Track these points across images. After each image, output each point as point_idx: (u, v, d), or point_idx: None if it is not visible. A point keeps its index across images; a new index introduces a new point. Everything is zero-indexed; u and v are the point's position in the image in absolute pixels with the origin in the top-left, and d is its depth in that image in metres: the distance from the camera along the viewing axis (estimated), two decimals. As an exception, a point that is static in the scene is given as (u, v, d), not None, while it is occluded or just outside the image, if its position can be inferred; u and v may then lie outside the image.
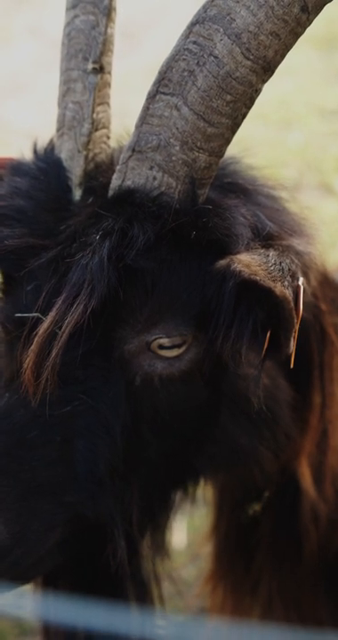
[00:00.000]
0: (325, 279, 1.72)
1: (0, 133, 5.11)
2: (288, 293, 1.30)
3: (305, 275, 1.48)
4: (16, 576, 1.46)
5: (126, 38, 6.52)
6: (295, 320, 1.30)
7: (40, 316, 1.37)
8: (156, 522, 1.62)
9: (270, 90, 5.27)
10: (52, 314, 1.34)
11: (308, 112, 5.53)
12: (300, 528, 1.83)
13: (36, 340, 1.35)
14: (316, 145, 5.22)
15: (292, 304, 1.29)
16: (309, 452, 1.74)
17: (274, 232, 1.46)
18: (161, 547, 1.69)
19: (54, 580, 1.61)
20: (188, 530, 2.94)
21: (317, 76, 5.96)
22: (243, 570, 1.99)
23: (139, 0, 7.14)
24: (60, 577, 1.60)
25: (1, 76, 6.13)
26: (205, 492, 1.94)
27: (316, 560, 1.92)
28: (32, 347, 1.35)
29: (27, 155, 1.53)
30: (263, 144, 5.21)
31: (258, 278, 1.28)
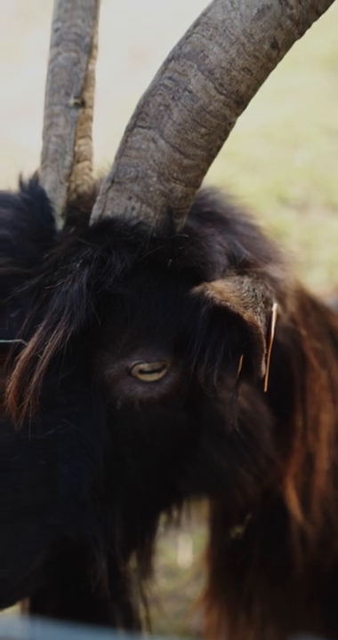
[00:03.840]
0: (307, 304, 1.75)
1: (9, 153, 5.21)
2: (258, 319, 1.33)
3: (281, 301, 1.51)
4: (2, 597, 1.49)
5: (134, 59, 6.62)
6: (265, 345, 1.33)
7: (22, 341, 1.42)
8: (140, 544, 1.65)
9: (278, 110, 5.30)
10: (33, 339, 1.38)
11: (315, 132, 5.57)
12: (289, 550, 1.85)
13: (18, 364, 1.39)
14: (323, 164, 5.25)
15: (261, 329, 1.32)
16: (295, 475, 1.76)
17: (250, 259, 1.50)
18: (147, 569, 1.71)
19: (41, 603, 1.64)
20: (194, 548, 2.96)
21: (325, 95, 6.00)
22: (235, 589, 2.01)
23: (147, 22, 7.25)
24: (46, 599, 1.63)
25: (11, 97, 6.25)
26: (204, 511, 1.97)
27: (308, 579, 1.94)
28: (14, 371, 1.39)
29: (13, 186, 1.58)
30: (271, 164, 5.26)
31: (228, 304, 1.32)
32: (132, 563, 1.69)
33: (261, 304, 1.37)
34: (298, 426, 1.71)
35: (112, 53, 6.39)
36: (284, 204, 4.90)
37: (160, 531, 1.69)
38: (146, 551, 1.67)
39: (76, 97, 1.49)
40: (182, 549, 2.95)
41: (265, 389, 1.41)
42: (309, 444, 1.75)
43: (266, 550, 1.89)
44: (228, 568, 2.00)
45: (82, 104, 1.50)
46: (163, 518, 1.72)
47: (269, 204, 4.81)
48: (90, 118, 1.53)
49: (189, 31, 1.37)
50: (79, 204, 1.51)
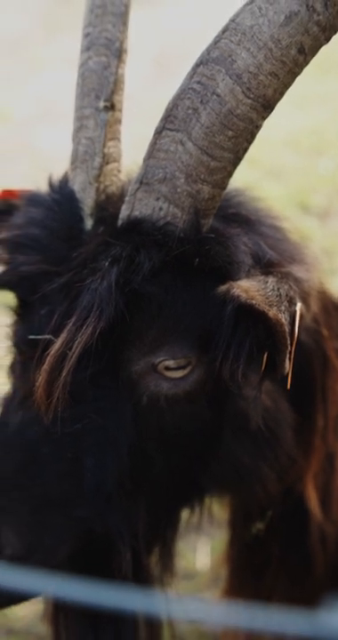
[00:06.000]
0: (329, 305, 1.77)
1: (33, 159, 5.28)
2: (282, 317, 1.36)
3: (304, 300, 1.54)
4: None
5: (160, 68, 6.67)
6: (289, 342, 1.36)
7: (52, 337, 1.46)
8: (163, 538, 1.67)
9: (305, 117, 5.33)
10: (63, 335, 1.42)
11: (340, 140, 5.59)
12: (308, 549, 1.87)
13: (48, 359, 1.42)
14: (347, 172, 5.26)
15: (285, 327, 1.35)
16: (315, 474, 1.78)
17: (274, 260, 1.53)
18: (168, 566, 1.73)
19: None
20: (212, 552, 2.98)
21: (350, 103, 6.01)
22: (254, 588, 2.03)
23: (172, 30, 7.32)
24: None
25: (35, 104, 6.33)
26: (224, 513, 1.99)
27: (328, 579, 1.96)
28: (44, 366, 1.42)
29: (43, 187, 1.62)
30: (295, 171, 5.29)
31: (254, 302, 1.35)
32: (155, 558, 1.72)
33: (286, 303, 1.40)
34: (319, 425, 1.74)
35: (139, 59, 6.45)
36: (306, 211, 4.92)
37: (181, 531, 1.71)
38: (168, 546, 1.69)
39: (105, 100, 1.53)
40: (201, 553, 2.97)
41: (288, 387, 1.44)
42: (330, 444, 1.77)
43: (286, 549, 1.91)
44: (247, 567, 2.02)
45: (111, 107, 1.54)
46: (185, 515, 1.74)
47: (292, 211, 4.83)
48: (119, 121, 1.57)
49: (217, 36, 1.40)
50: (108, 205, 1.55)
